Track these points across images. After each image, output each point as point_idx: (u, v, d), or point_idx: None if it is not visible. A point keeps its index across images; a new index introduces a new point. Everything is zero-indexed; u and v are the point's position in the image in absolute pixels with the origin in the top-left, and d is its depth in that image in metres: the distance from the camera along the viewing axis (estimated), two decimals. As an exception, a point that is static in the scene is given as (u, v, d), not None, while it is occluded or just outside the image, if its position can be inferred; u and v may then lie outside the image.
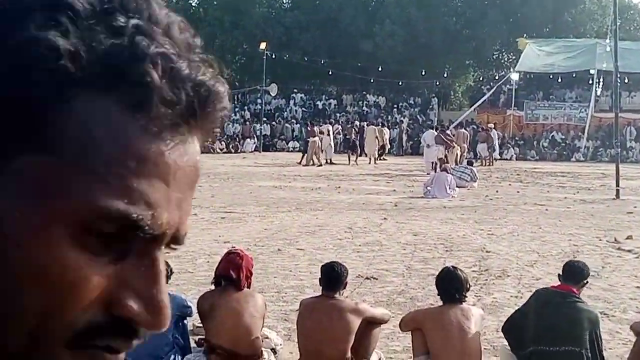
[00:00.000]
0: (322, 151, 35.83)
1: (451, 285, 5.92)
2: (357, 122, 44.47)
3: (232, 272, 6.25)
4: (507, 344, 6.27)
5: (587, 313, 5.96)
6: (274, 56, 52.80)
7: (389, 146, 41.91)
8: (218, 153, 43.56)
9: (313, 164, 34.22)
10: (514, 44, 54.47)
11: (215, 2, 63.64)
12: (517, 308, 6.61)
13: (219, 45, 61.46)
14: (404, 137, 47.66)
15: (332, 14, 59.52)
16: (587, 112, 46.59)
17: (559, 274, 6.32)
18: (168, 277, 6.30)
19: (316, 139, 35.63)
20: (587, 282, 6.38)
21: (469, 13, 58.89)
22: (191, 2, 66.64)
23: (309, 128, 40.38)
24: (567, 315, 5.93)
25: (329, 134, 37.58)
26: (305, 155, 35.55)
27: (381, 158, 38.01)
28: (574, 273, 6.25)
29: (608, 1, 43.99)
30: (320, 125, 40.50)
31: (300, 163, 35.03)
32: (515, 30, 55.16)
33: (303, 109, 56.64)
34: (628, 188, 23.63)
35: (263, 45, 49.98)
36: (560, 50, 50.24)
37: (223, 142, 46.90)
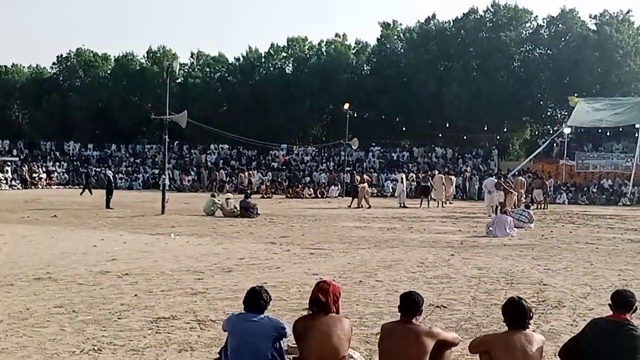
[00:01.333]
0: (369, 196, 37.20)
1: (516, 313, 5.81)
2: (429, 171, 44.32)
3: (321, 297, 6.26)
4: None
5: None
6: (355, 115, 53.38)
7: (455, 192, 41.85)
8: (307, 198, 43.89)
9: (362, 207, 34.73)
10: (565, 102, 54.12)
11: (306, 70, 64.48)
12: (572, 335, 6.39)
13: (309, 106, 62.38)
14: (467, 184, 47.45)
15: (406, 79, 59.96)
16: (633, 161, 45.97)
17: (609, 304, 6.12)
18: (267, 304, 6.32)
19: (365, 185, 36.39)
20: (637, 308, 6.12)
21: (524, 75, 58.45)
22: (286, 69, 67.67)
23: (357, 176, 41.27)
24: (622, 341, 5.73)
25: (402, 182, 37.58)
26: (355, 199, 36.13)
27: (448, 202, 37.84)
28: (625, 301, 6.04)
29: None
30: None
31: (349, 206, 35.38)
32: (567, 89, 54.80)
33: (380, 160, 56.73)
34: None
35: (346, 106, 50.60)
36: (608, 107, 49.87)
37: (311, 189, 47.24)
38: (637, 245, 19.06)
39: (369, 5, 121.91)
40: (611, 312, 6.13)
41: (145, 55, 70.18)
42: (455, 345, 6.12)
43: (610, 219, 29.76)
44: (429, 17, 65.32)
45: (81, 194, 32.05)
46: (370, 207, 34.51)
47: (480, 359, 5.88)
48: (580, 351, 5.86)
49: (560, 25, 60.38)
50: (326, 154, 58.25)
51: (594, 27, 58.81)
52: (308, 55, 67.09)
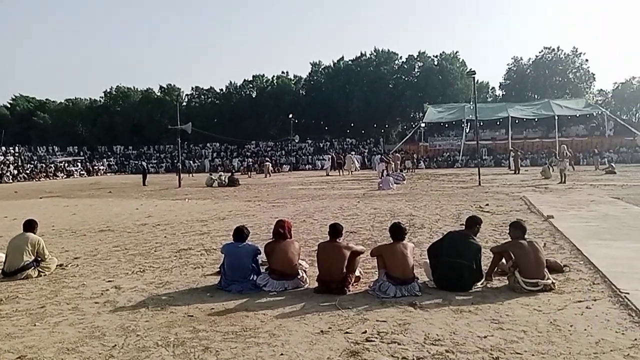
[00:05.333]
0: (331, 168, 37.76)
1: (397, 231, 5.89)
2: (342, 153, 44.56)
3: (280, 229, 6.26)
4: (426, 260, 6.21)
5: (475, 244, 5.89)
6: (296, 121, 54.29)
7: (359, 164, 42.14)
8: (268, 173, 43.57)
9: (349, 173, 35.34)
10: (421, 108, 54.98)
11: (264, 94, 63.76)
12: (432, 242, 6.54)
13: (267, 117, 61.70)
14: (366, 160, 47.83)
15: (326, 98, 60.27)
16: (461, 141, 46.87)
17: (462, 224, 6.28)
18: (247, 236, 6.29)
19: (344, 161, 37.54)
20: (479, 227, 6.28)
21: (396, 93, 59.15)
22: (252, 94, 66.51)
23: (333, 155, 42.71)
24: (465, 244, 5.87)
25: (328, 160, 38.13)
26: (341, 170, 36.51)
27: (355, 171, 38.14)
28: (470, 222, 6.20)
29: (470, 84, 43.92)
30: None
31: (340, 174, 35.41)
32: (422, 100, 55.79)
33: (312, 147, 56.68)
34: (484, 180, 23.59)
35: (290, 115, 51.21)
36: (446, 110, 51.01)
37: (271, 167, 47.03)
38: (465, 190, 19.57)
39: (304, 51, 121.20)
40: (463, 228, 6.34)
41: (159, 89, 68.87)
42: (362, 253, 6.17)
43: (449, 176, 30.41)
44: (339, 58, 65.67)
45: (144, 184, 30.07)
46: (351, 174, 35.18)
47: (377, 260, 5.92)
48: (441, 247, 5.94)
49: (416, 61, 61.19)
50: (279, 146, 57.89)
51: (436, 62, 59.75)
52: (265, 85, 66.27)
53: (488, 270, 5.99)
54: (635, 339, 4.06)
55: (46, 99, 74.54)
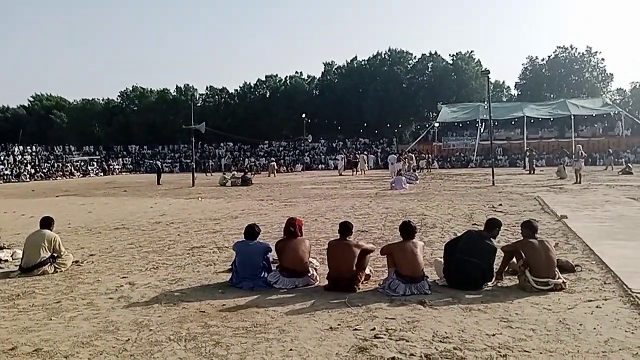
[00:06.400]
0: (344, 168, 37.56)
1: (407, 229, 5.92)
2: (356, 153, 44.55)
3: (291, 228, 6.31)
4: (437, 258, 6.22)
5: (491, 246, 5.88)
6: (309, 121, 54.45)
7: (372, 165, 42.08)
8: (281, 173, 43.75)
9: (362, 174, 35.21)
10: (435, 108, 54.69)
11: (278, 95, 63.92)
12: (442, 243, 6.54)
13: (281, 117, 61.94)
14: (379, 160, 47.76)
15: (339, 98, 59.89)
16: (476, 141, 46.59)
17: (477, 224, 6.26)
18: (258, 234, 6.36)
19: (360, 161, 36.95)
20: (499, 230, 6.23)
21: (410, 93, 58.73)
22: (266, 94, 66.70)
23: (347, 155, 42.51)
24: (481, 244, 5.87)
25: (341, 160, 38.18)
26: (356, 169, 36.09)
27: (368, 171, 38.07)
28: (490, 225, 6.17)
29: (485, 84, 43.67)
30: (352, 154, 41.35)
31: (353, 174, 35.20)
32: (436, 100, 55.39)
33: (325, 147, 56.56)
34: (498, 180, 23.44)
35: (304, 116, 51.39)
36: (460, 110, 50.57)
37: (283, 167, 47.16)
38: (479, 190, 19.46)
39: (317, 52, 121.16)
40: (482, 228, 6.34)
41: (176, 89, 69.09)
42: (372, 252, 6.20)
43: (463, 176, 30.26)
44: (353, 58, 65.32)
45: (158, 183, 30.36)
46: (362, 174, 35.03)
47: (387, 259, 5.95)
48: (458, 245, 5.96)
49: (430, 61, 60.88)
50: (292, 146, 57.99)
51: (451, 61, 59.34)
52: (279, 86, 66.31)
53: (499, 269, 5.98)
54: (646, 339, 4.04)
55: (61, 98, 75.39)
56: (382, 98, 57.21)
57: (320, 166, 50.96)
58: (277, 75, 67.68)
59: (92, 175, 50.15)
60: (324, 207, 14.88)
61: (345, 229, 6.06)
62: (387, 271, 5.93)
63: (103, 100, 74.01)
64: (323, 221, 11.81)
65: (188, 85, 69.00)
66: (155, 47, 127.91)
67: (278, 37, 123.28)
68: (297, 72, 68.31)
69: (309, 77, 67.86)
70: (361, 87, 59.92)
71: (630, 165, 29.36)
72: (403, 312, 4.90)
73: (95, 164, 54.70)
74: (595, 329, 4.32)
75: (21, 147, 53.09)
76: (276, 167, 39.86)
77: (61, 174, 47.82)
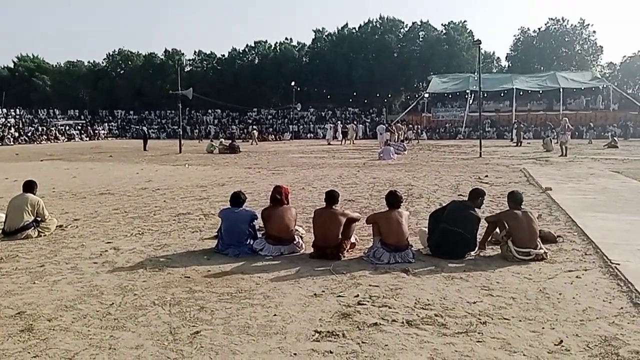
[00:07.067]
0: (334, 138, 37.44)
1: (392, 198, 5.94)
2: (345, 122, 44.31)
3: (277, 195, 6.29)
4: (421, 227, 6.27)
5: (475, 215, 5.94)
6: (298, 89, 53.68)
7: (360, 134, 41.95)
8: (270, 141, 43.49)
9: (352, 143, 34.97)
10: (425, 78, 54.20)
11: (267, 61, 62.84)
12: (428, 213, 6.59)
13: (269, 84, 61.08)
14: (368, 129, 47.61)
15: (329, 66, 58.98)
16: (464, 112, 46.47)
17: (463, 194, 6.29)
18: (244, 201, 6.33)
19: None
20: (482, 199, 6.26)
21: (401, 62, 58.05)
22: (255, 61, 65.61)
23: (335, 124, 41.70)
24: (465, 213, 5.93)
25: (330, 129, 37.98)
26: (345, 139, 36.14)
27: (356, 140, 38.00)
28: (473, 194, 6.20)
29: (476, 55, 43.36)
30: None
31: (341, 144, 35.29)
32: (426, 70, 54.98)
33: (314, 116, 55.93)
34: (485, 151, 23.55)
35: (293, 83, 50.81)
36: (450, 80, 50.14)
37: (272, 135, 46.87)
38: (466, 161, 19.55)
39: (306, 17, 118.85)
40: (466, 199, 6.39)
41: (164, 52, 67.67)
42: (358, 221, 6.24)
43: (450, 147, 30.32)
44: (343, 25, 64.06)
45: (144, 149, 30.00)
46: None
47: (372, 227, 5.98)
48: (442, 214, 6.02)
49: (421, 30, 60.13)
50: (281, 114, 57.49)
51: (443, 31, 58.66)
52: (268, 52, 65.20)
53: (482, 239, 6.06)
54: (622, 308, 4.14)
55: (43, 61, 73.36)
56: (372, 67, 56.65)
57: (308, 135, 50.71)
58: (266, 41, 66.64)
59: (76, 139, 49.48)
60: (311, 176, 14.87)
61: (332, 197, 6.06)
62: (372, 239, 5.97)
63: (88, 62, 72.46)
64: (310, 190, 11.81)
65: (176, 49, 67.65)
66: (142, 9, 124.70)
67: (268, 1, 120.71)
68: (286, 39, 67.26)
69: (298, 43, 66.83)
70: (351, 55, 59.16)
71: (615, 139, 29.60)
72: (386, 280, 4.96)
73: (80, 128, 53.91)
74: (574, 298, 4.41)
75: (4, 110, 51.99)
76: (256, 135, 39.43)
77: (45, 137, 47.08)
